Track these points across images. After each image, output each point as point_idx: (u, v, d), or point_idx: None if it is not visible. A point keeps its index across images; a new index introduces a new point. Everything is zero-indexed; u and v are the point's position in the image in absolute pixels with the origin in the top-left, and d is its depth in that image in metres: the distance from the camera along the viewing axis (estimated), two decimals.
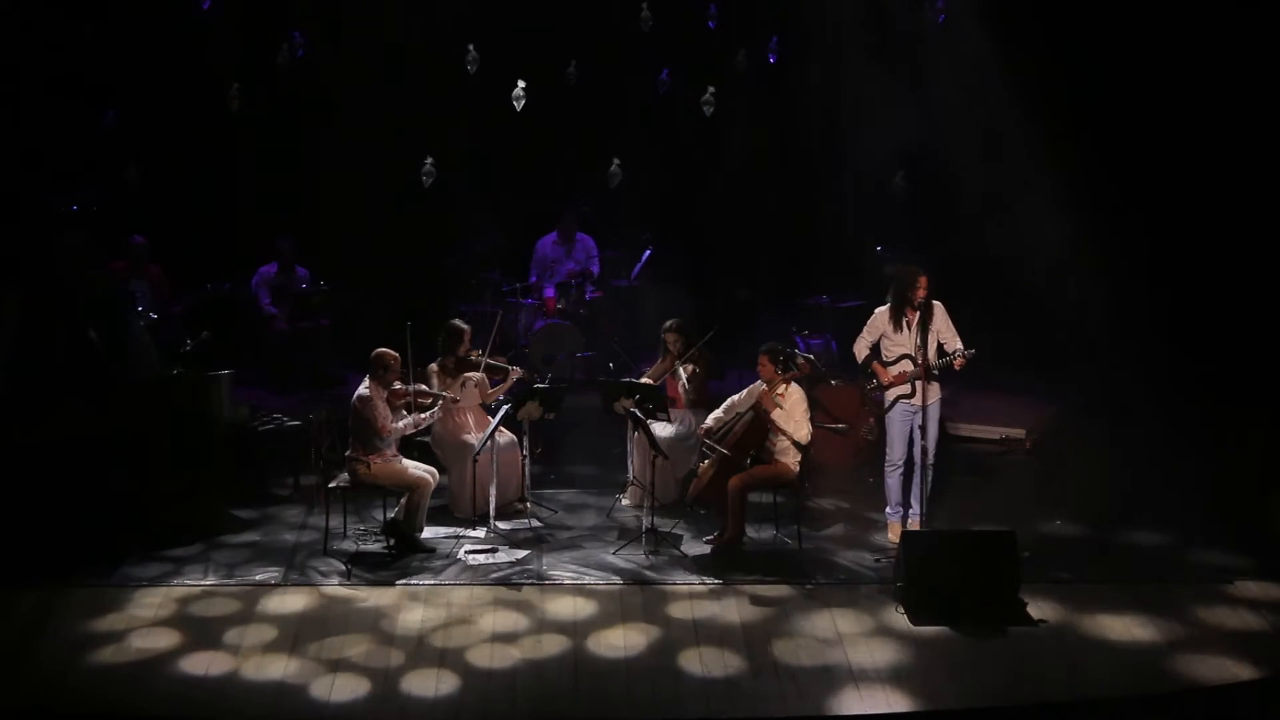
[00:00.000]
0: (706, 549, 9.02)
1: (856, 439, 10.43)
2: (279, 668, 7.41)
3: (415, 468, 9.12)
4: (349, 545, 9.03)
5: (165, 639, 7.72)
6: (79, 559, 8.64)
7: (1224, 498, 9.50)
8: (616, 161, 11.12)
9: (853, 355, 9.28)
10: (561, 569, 8.71)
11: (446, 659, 7.51)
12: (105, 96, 11.10)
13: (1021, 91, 11.40)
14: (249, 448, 9.96)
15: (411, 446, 9.59)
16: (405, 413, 9.16)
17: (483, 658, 7.53)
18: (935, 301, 8.96)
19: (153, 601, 8.17)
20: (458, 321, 9.84)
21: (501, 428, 9.46)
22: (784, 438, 8.95)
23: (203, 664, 7.45)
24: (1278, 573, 8.56)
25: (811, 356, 10.11)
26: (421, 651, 7.60)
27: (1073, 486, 9.92)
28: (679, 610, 8.10)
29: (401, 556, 8.84)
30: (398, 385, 9.05)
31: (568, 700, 7.16)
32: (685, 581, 8.50)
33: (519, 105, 10.55)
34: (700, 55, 11.43)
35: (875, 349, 9.14)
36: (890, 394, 9.07)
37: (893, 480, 9.18)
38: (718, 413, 9.36)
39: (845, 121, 12.56)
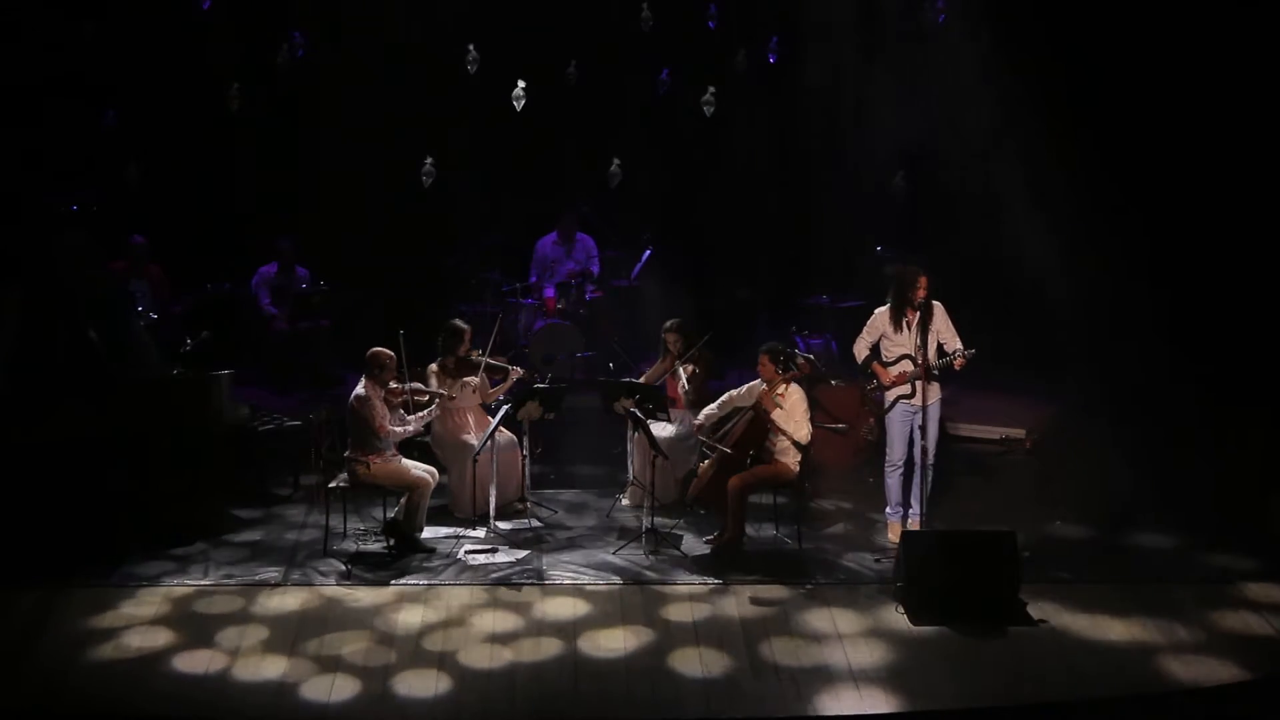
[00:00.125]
0: (706, 549, 9.02)
1: (856, 439, 10.44)
2: (279, 667, 7.41)
3: (415, 468, 9.12)
4: (349, 545, 9.03)
5: (165, 639, 7.72)
6: (79, 559, 8.64)
7: (1224, 498, 9.50)
8: (616, 161, 11.12)
9: (853, 355, 9.29)
10: (561, 569, 8.71)
11: (446, 659, 7.51)
12: (105, 96, 11.10)
13: (1021, 91, 11.41)
14: (249, 448, 9.96)
15: (411, 446, 9.59)
16: (403, 411, 9.16)
17: (482, 658, 7.53)
18: (935, 302, 8.96)
19: (153, 601, 8.17)
20: (458, 321, 9.84)
21: (501, 428, 9.46)
22: (784, 438, 8.95)
23: (202, 664, 7.45)
24: (1278, 573, 8.56)
25: (811, 356, 10.10)
26: (421, 651, 7.60)
27: (1073, 486, 9.93)
28: (679, 610, 8.10)
29: (401, 557, 8.84)
30: (394, 384, 9.06)
31: (567, 700, 7.16)
32: (685, 581, 8.50)
33: (519, 105, 10.56)
34: (700, 55, 11.43)
35: (875, 349, 9.14)
36: (890, 394, 9.07)
37: (893, 480, 9.18)
38: (711, 408, 9.35)
39: (845, 121, 12.56)
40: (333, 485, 9.04)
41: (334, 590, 8.37)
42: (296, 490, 10.03)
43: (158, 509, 9.08)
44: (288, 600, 8.23)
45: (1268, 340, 10.89)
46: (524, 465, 9.68)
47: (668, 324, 10.05)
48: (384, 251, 12.72)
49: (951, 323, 9.03)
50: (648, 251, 12.94)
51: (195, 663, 7.46)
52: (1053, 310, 11.44)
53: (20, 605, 8.06)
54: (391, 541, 8.93)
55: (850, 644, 7.68)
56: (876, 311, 9.18)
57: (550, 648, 7.65)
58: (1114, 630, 7.86)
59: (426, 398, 9.33)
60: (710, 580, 8.50)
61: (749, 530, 9.13)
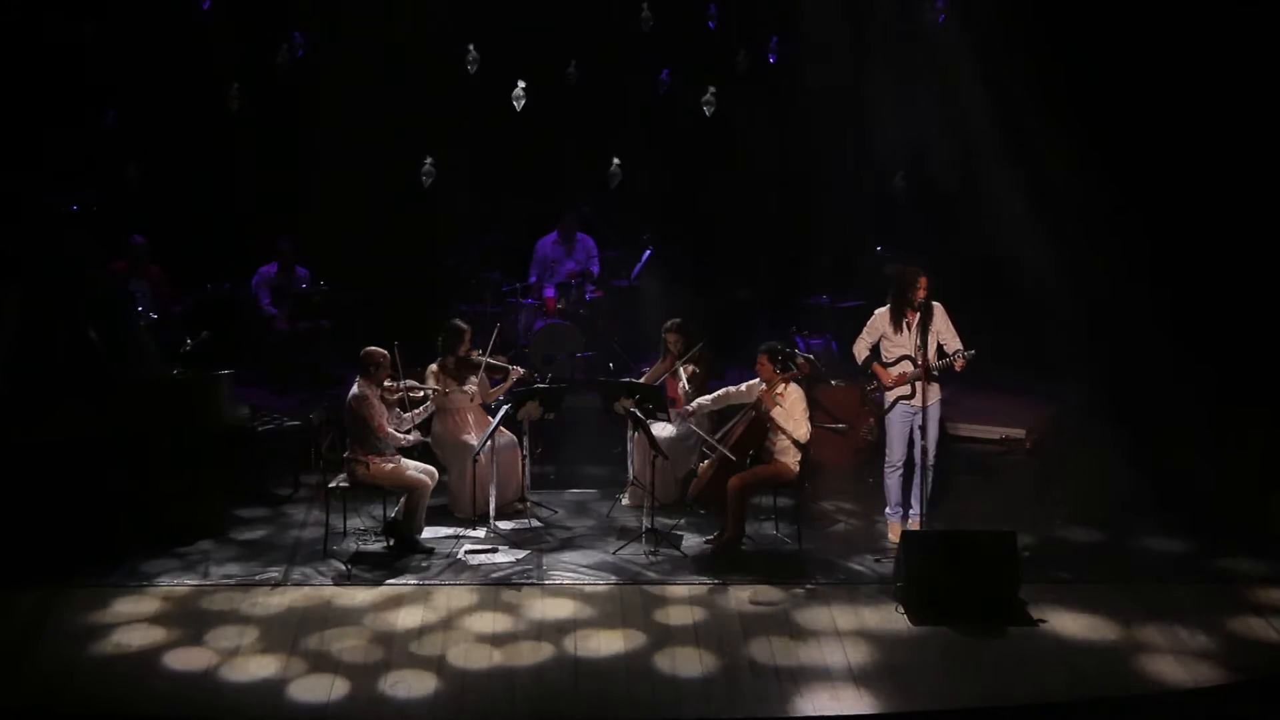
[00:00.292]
0: (706, 549, 9.02)
1: (856, 439, 10.44)
2: (278, 667, 7.41)
3: (414, 468, 9.12)
4: (349, 545, 9.03)
5: (165, 638, 7.72)
6: (79, 559, 8.64)
7: (1224, 498, 9.50)
8: (616, 161, 11.13)
9: (852, 355, 9.29)
10: (561, 569, 8.71)
11: (445, 659, 7.51)
12: (105, 96, 11.10)
13: (1021, 91, 11.40)
14: (249, 448, 9.96)
15: (411, 446, 9.58)
16: (400, 410, 9.17)
17: (482, 658, 7.53)
18: (935, 302, 8.96)
19: (152, 601, 8.17)
20: (458, 321, 9.85)
21: (501, 428, 9.46)
22: (784, 437, 8.94)
23: (202, 663, 7.45)
24: (1278, 574, 8.55)
25: (811, 356, 10.10)
26: (421, 652, 7.60)
27: (1073, 486, 9.93)
28: (679, 611, 8.09)
29: (401, 557, 8.84)
30: (389, 382, 9.06)
31: (567, 700, 7.16)
32: (685, 581, 8.50)
33: (519, 105, 10.56)
34: (700, 55, 11.43)
35: (875, 350, 9.14)
36: (890, 395, 9.07)
37: (893, 480, 9.17)
38: (705, 399, 9.34)
39: (845, 121, 12.56)
40: (332, 485, 9.04)
41: (333, 590, 8.37)
42: (296, 490, 10.03)
43: (158, 509, 9.08)
44: (287, 600, 8.23)
45: (1268, 340, 10.89)
46: (524, 465, 9.68)
47: (668, 324, 10.05)
48: (384, 251, 12.72)
49: (951, 323, 9.03)
50: (648, 251, 12.94)
51: (195, 662, 7.46)
52: (1053, 310, 11.44)
53: (20, 605, 8.07)
54: (391, 542, 8.93)
55: (850, 644, 7.68)
56: (876, 312, 9.18)
57: (550, 648, 7.64)
58: (1114, 630, 7.86)
59: (421, 393, 9.33)
60: (710, 580, 8.50)
61: (749, 530, 9.13)
